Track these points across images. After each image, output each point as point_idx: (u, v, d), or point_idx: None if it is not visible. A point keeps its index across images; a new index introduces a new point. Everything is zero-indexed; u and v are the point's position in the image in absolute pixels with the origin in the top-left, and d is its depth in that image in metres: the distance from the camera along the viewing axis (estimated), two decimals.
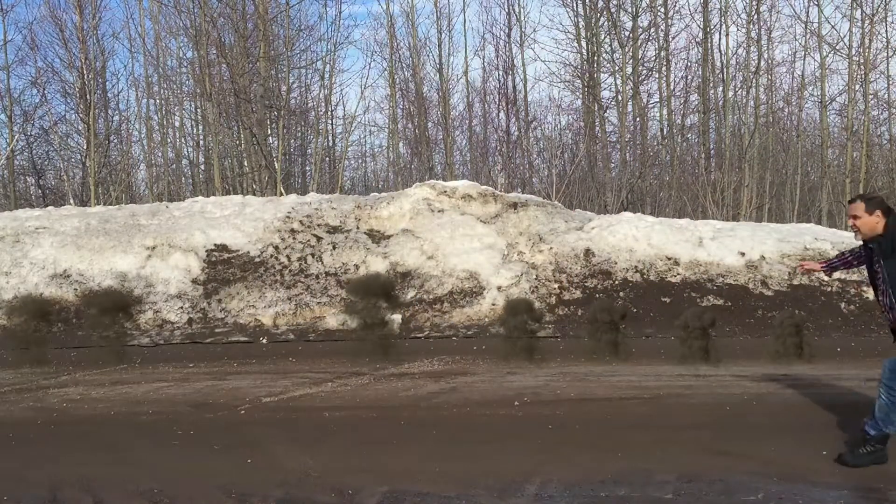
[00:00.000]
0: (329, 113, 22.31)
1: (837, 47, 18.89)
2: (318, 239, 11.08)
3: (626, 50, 20.71)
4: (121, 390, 6.62)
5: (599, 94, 21.83)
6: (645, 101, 21.76)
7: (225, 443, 5.00)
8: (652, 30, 21.22)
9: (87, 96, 19.63)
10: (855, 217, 4.27)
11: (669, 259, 10.40)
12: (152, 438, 5.14)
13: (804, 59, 19.78)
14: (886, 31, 18.80)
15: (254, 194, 16.06)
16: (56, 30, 20.59)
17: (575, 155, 20.33)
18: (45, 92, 21.07)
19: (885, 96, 19.71)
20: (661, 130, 21.87)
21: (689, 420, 5.31)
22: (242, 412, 5.76)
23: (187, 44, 20.55)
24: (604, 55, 21.95)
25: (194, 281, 10.30)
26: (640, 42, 21.00)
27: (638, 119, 21.49)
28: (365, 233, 11.24)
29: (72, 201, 17.48)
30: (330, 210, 11.74)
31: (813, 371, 6.85)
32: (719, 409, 5.54)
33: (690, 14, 20.47)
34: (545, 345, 8.39)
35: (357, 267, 10.51)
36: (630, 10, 21.09)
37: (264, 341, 9.00)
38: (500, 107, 23.49)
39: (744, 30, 20.13)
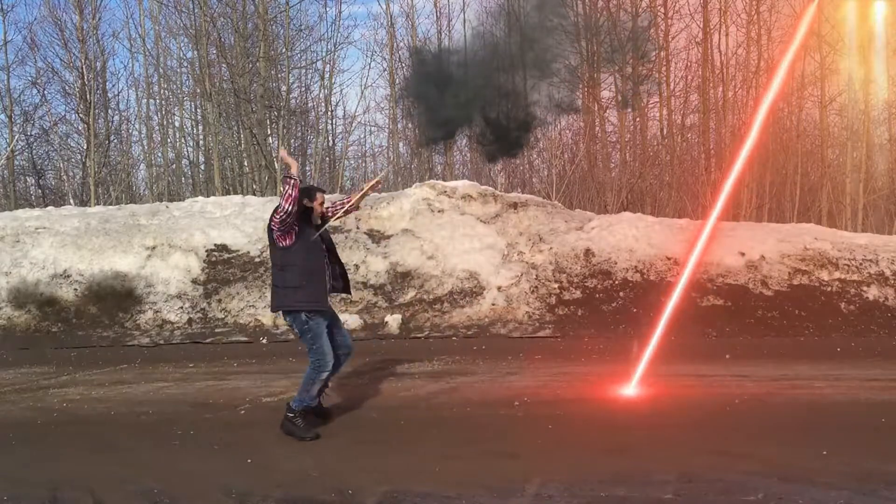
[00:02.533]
0: (329, 113, 22.31)
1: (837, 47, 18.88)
2: None
3: (626, 50, 20.71)
4: (121, 390, 6.62)
5: (599, 94, 21.82)
6: (645, 100, 21.75)
7: (225, 443, 5.00)
8: (652, 30, 21.21)
9: (87, 96, 19.62)
10: (322, 203, 5.26)
11: (669, 259, 10.40)
12: (152, 438, 5.14)
13: (804, 59, 19.74)
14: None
15: (254, 194, 16.05)
16: (56, 30, 20.56)
17: (575, 155, 20.31)
18: (45, 92, 21.03)
19: (885, 96, 19.70)
20: (661, 130, 21.86)
21: (689, 420, 5.32)
22: (242, 412, 5.76)
23: (187, 44, 20.54)
24: (604, 55, 21.93)
25: (194, 281, 10.30)
26: (640, 42, 20.99)
27: (638, 119, 21.50)
28: (365, 233, 11.24)
29: (72, 201, 17.47)
30: None
31: (813, 371, 6.86)
32: (719, 409, 5.54)
33: (690, 14, 20.39)
34: (545, 345, 8.39)
35: (357, 267, 10.51)
36: (630, 10, 21.08)
37: (264, 341, 9.00)
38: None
39: (744, 30, 20.13)
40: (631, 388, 6.01)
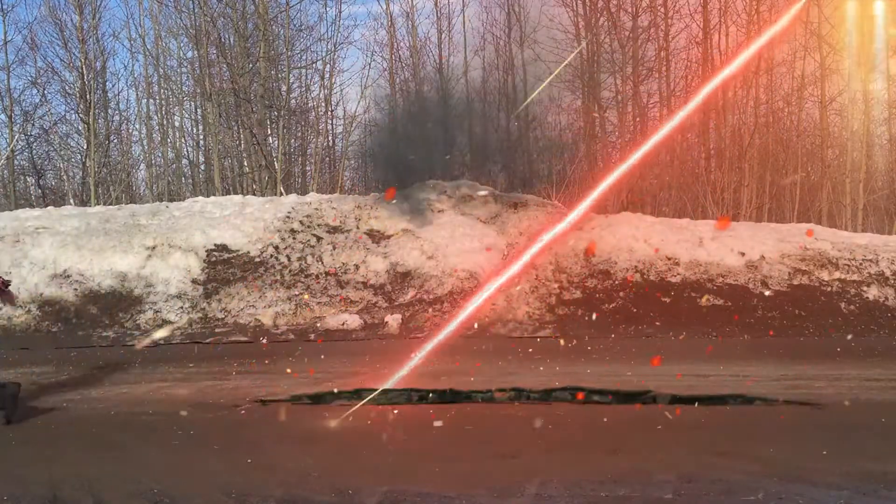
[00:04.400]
0: (329, 113, 22.31)
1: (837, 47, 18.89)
2: (318, 239, 11.08)
3: (626, 50, 20.71)
4: (121, 390, 6.61)
5: (599, 94, 21.80)
6: (645, 100, 21.75)
7: (225, 443, 4.99)
8: (652, 30, 21.20)
9: (87, 96, 19.61)
10: None
11: (669, 259, 10.40)
12: (152, 438, 5.13)
13: (804, 59, 19.74)
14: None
15: (254, 194, 16.05)
16: (56, 30, 20.54)
17: (575, 155, 20.30)
18: (45, 92, 21.01)
19: (885, 96, 19.69)
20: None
21: (690, 420, 5.31)
22: (242, 412, 5.75)
23: (187, 44, 20.54)
24: (604, 55, 21.92)
25: (194, 281, 10.30)
26: (640, 42, 20.99)
27: (638, 119, 21.48)
28: (365, 233, 11.24)
29: (72, 201, 17.48)
30: (330, 210, 11.74)
31: (813, 371, 6.85)
32: (719, 409, 5.53)
33: (690, 14, 20.39)
34: (545, 345, 8.39)
35: (357, 267, 10.52)
36: (630, 10, 21.07)
37: (264, 341, 8.99)
38: (500, 106, 23.44)
39: (744, 30, 20.11)
40: (390, 383, 6.09)
